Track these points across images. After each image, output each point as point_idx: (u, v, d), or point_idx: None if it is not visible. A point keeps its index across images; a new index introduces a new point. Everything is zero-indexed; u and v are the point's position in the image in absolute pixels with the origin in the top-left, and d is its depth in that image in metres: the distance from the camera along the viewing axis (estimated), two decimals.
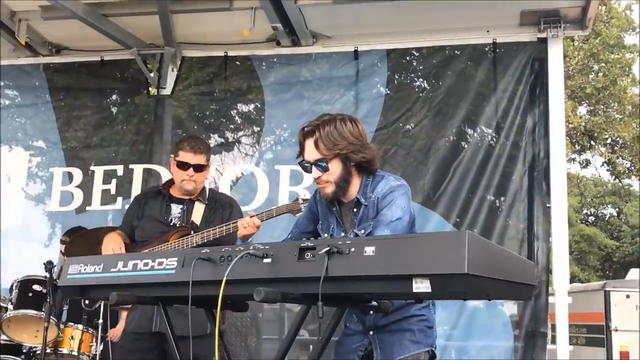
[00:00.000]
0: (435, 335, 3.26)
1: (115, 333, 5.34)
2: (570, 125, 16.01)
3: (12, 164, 7.03)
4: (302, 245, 2.26)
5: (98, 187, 6.60)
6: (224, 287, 2.24)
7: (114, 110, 6.94)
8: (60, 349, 5.19)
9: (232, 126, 6.87)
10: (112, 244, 4.26)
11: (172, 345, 2.75)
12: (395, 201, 3.07)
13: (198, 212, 4.36)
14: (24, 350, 5.36)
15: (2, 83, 7.12)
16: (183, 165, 4.26)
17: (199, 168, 4.28)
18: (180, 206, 4.37)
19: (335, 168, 3.11)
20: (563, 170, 5.87)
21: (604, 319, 11.81)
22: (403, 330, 3.15)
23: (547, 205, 5.84)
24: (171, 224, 4.32)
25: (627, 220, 28.39)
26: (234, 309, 2.84)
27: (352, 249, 2.13)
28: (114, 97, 6.96)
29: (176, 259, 2.53)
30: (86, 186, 6.65)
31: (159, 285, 2.57)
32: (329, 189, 3.14)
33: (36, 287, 5.11)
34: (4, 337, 5.18)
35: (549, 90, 5.95)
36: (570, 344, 13.22)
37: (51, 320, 4.84)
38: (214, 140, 6.78)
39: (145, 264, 2.59)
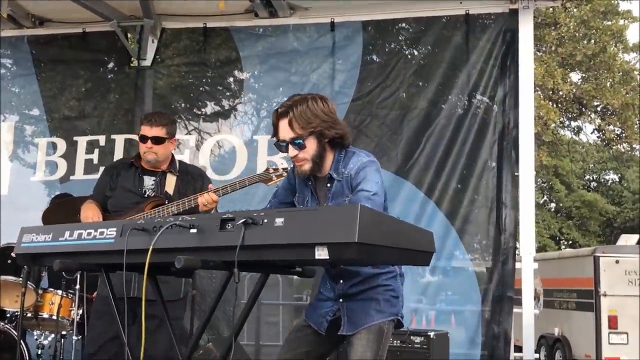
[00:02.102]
0: (401, 305, 3.39)
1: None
2: (560, 93, 16.02)
3: (5, 133, 7.20)
4: (223, 217, 2.43)
5: (81, 157, 6.77)
6: (150, 255, 2.41)
7: (96, 81, 7.08)
8: (40, 313, 5.40)
9: (212, 96, 7.01)
10: (92, 213, 4.45)
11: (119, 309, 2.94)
12: (369, 176, 3.18)
13: (170, 183, 4.56)
14: (7, 315, 5.58)
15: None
16: (142, 139, 4.51)
17: (157, 140, 4.47)
18: (153, 178, 4.58)
19: (311, 145, 3.22)
20: (531, 139, 6.00)
21: (593, 284, 11.93)
22: (370, 299, 3.29)
23: (516, 174, 5.98)
24: (145, 195, 4.52)
25: (628, 186, 28.49)
26: (178, 275, 3.01)
27: (265, 220, 2.31)
28: (96, 68, 7.10)
29: (115, 229, 2.71)
30: (70, 156, 6.82)
31: (100, 254, 2.76)
32: (306, 166, 3.25)
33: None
34: None
35: (519, 61, 6.05)
36: (560, 309, 13.39)
37: (29, 286, 5.05)
38: (196, 109, 6.95)
39: (89, 234, 2.78)
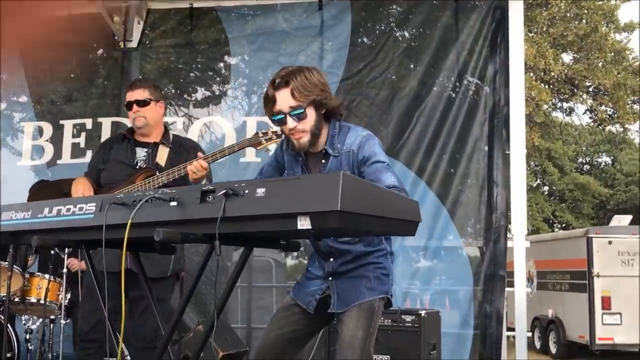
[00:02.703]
0: (391, 283, 3.35)
1: (75, 262, 5.42)
2: (551, 74, 16.00)
3: None
4: (204, 188, 2.37)
5: (68, 140, 6.70)
6: (129, 229, 2.35)
7: (83, 64, 6.99)
8: (27, 297, 5.34)
9: (202, 81, 6.95)
10: (82, 187, 4.39)
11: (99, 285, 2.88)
12: (376, 149, 3.14)
13: (162, 155, 4.50)
14: None
15: None
16: (128, 106, 4.46)
17: (141, 103, 4.42)
18: (145, 149, 4.52)
19: (311, 115, 3.13)
20: (522, 117, 5.95)
21: (586, 265, 11.94)
22: (360, 277, 3.25)
23: (507, 152, 5.94)
24: (137, 166, 4.47)
25: (621, 168, 28.52)
26: (161, 252, 2.95)
27: (247, 191, 2.25)
28: (82, 51, 7.00)
29: (94, 203, 2.65)
30: (56, 140, 6.74)
31: (80, 229, 2.70)
32: (305, 139, 3.15)
33: None
34: None
35: (509, 38, 5.99)
36: (553, 290, 13.37)
37: (15, 270, 4.98)
38: (186, 95, 6.88)
39: (68, 209, 2.72)
